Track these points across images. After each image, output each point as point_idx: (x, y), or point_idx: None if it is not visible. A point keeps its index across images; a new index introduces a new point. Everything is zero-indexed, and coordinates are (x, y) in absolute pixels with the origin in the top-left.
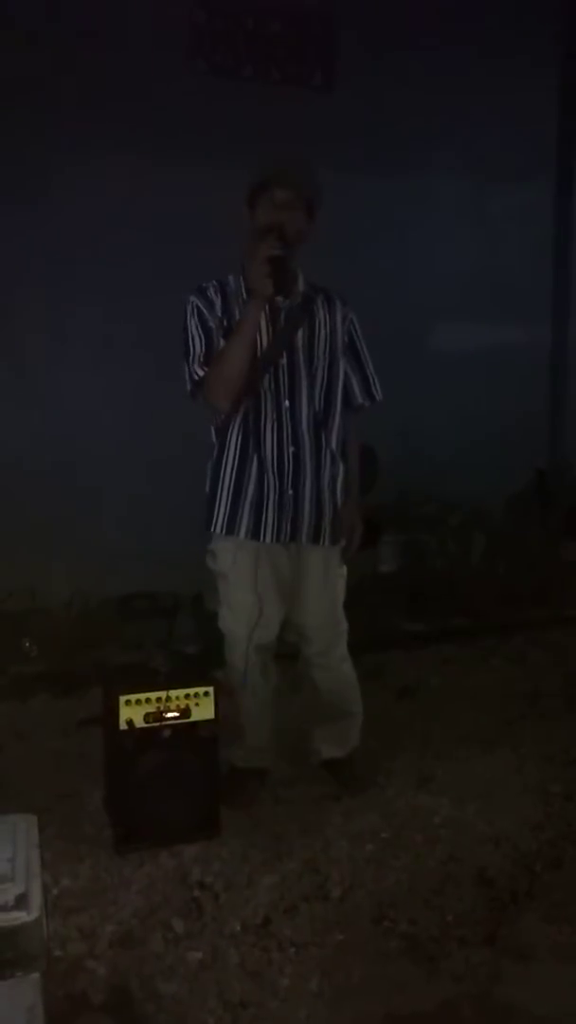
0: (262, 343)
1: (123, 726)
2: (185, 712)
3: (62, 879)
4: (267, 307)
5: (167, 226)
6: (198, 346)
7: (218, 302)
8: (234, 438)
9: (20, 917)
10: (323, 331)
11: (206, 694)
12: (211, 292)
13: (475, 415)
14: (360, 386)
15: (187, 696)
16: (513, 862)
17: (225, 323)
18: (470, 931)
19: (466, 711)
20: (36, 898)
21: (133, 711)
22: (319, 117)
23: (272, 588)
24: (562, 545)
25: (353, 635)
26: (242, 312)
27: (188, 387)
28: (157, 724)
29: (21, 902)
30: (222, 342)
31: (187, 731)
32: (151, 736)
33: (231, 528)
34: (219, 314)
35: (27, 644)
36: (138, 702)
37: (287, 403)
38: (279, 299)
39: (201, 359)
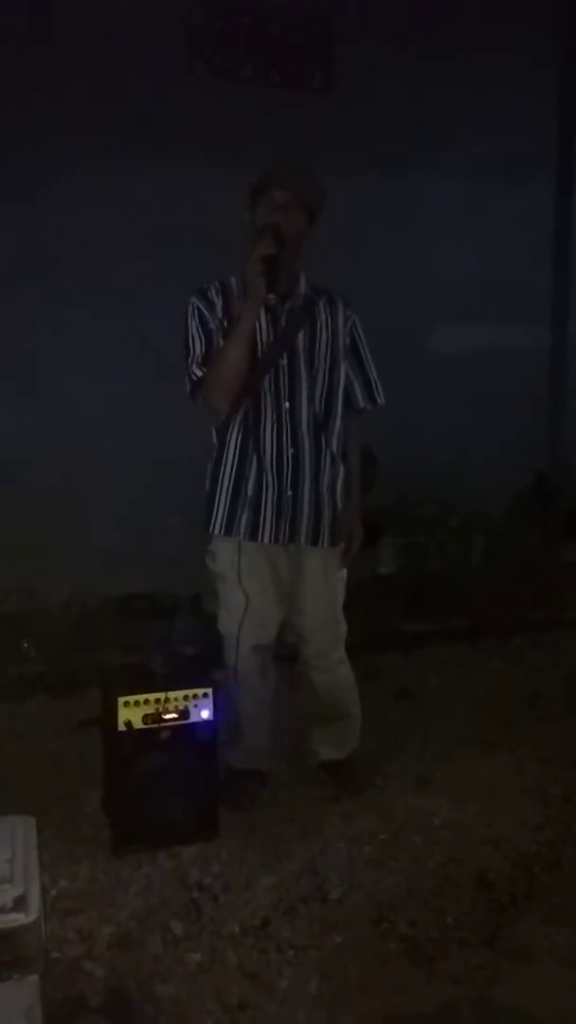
0: (263, 344)
1: (121, 727)
2: (184, 713)
3: (60, 881)
4: (269, 308)
5: (167, 226)
6: (198, 347)
7: (219, 303)
8: (234, 439)
9: (18, 919)
10: (324, 333)
11: (205, 695)
12: (212, 293)
13: (474, 416)
14: (362, 389)
15: (186, 697)
16: (512, 864)
17: (225, 324)
18: (469, 933)
19: (465, 713)
20: (34, 900)
21: (132, 712)
22: (318, 118)
23: (271, 589)
24: (562, 547)
25: (352, 636)
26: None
27: (187, 388)
28: (156, 725)
29: (19, 904)
30: (222, 343)
31: (186, 732)
32: (150, 737)
33: (229, 529)
34: (220, 315)
35: (25, 645)
36: (136, 703)
37: (287, 404)
38: (272, 297)
39: (200, 359)
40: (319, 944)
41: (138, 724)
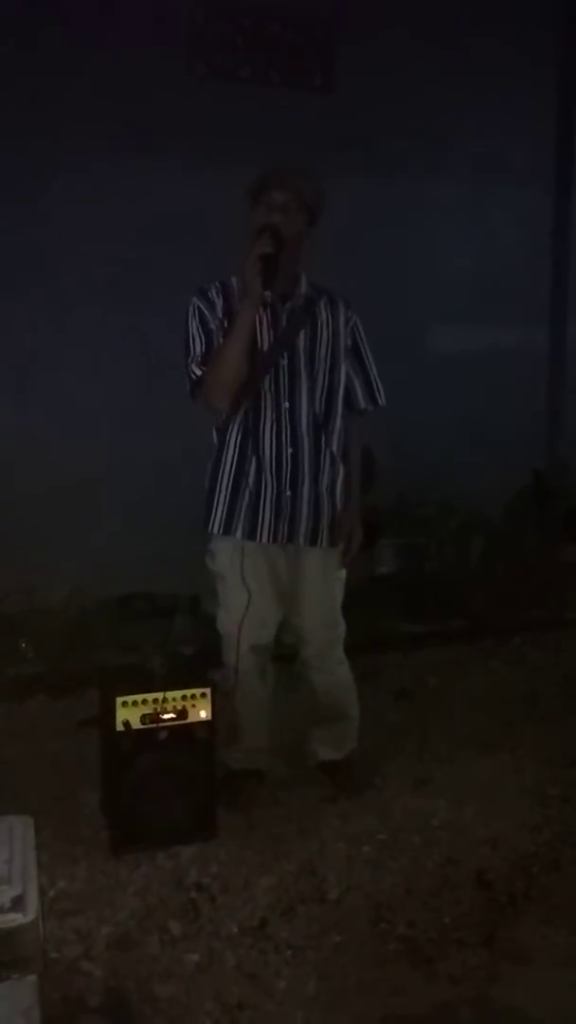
0: (263, 344)
1: (120, 727)
2: (182, 714)
3: (59, 881)
4: (269, 308)
5: (167, 227)
6: (198, 346)
7: (219, 303)
8: (234, 438)
9: (16, 919)
10: (325, 333)
11: (203, 695)
12: (212, 293)
13: (473, 417)
14: (363, 390)
15: (184, 697)
16: (511, 864)
17: (226, 324)
18: (468, 933)
19: (464, 713)
20: (33, 900)
21: (130, 712)
22: (318, 119)
23: (270, 589)
24: (560, 547)
25: (351, 637)
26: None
27: (188, 387)
28: (154, 726)
29: (18, 904)
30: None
31: (184, 733)
32: (148, 738)
33: (228, 528)
34: (220, 315)
35: (24, 645)
36: (135, 703)
37: (287, 404)
38: (268, 294)
39: (200, 359)
40: (317, 944)
41: (136, 724)
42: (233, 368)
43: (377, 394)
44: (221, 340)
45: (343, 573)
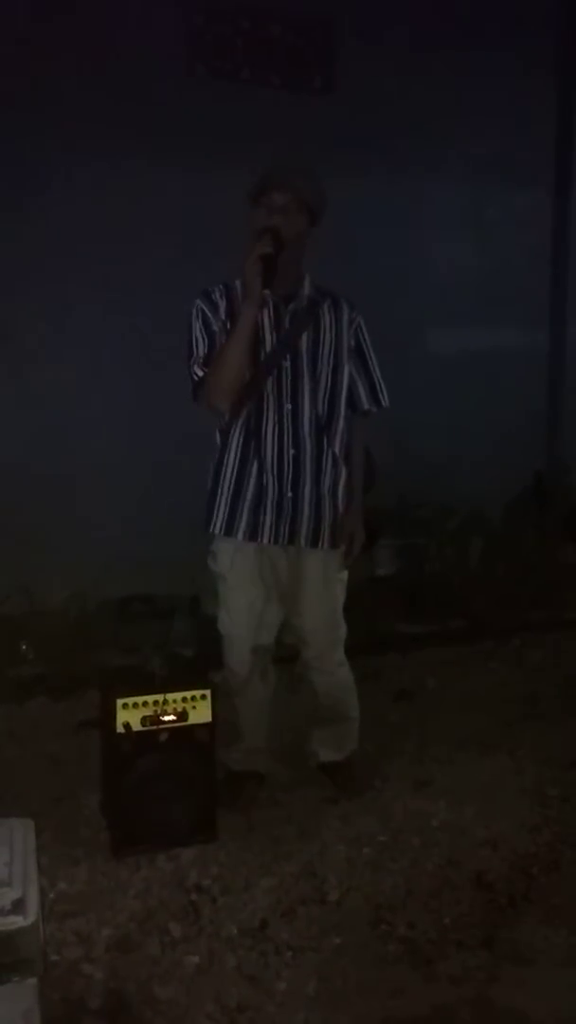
0: (266, 346)
1: (120, 729)
2: (182, 715)
3: (59, 883)
4: (272, 310)
5: (167, 227)
6: (200, 348)
7: (223, 305)
8: (236, 439)
9: (17, 921)
10: (328, 335)
11: (203, 697)
12: (216, 295)
13: (473, 418)
14: (366, 391)
15: (184, 699)
16: (511, 865)
17: (228, 326)
18: (468, 934)
19: (464, 714)
20: (33, 902)
21: (130, 714)
22: (318, 120)
23: (271, 590)
24: (560, 548)
25: (351, 638)
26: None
27: (190, 388)
28: (154, 727)
29: (18, 906)
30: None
31: (184, 734)
32: (148, 739)
33: (230, 529)
34: (223, 317)
35: (24, 646)
36: (135, 705)
37: (289, 406)
38: (268, 293)
39: (202, 360)
40: (317, 946)
41: (136, 726)
42: (235, 369)
43: (380, 395)
44: (224, 341)
45: (344, 575)
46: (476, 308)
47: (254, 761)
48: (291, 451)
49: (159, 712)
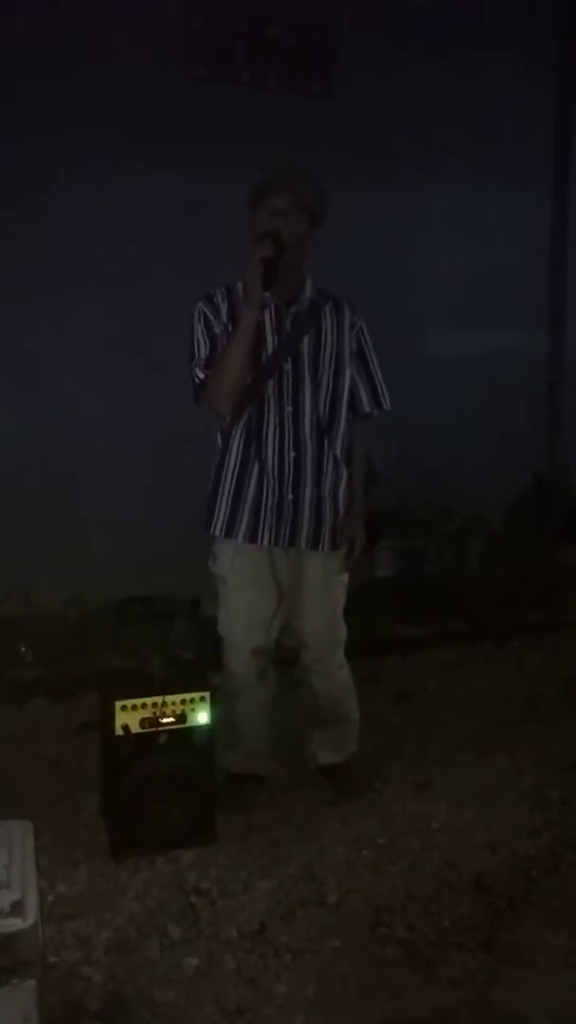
0: (267, 348)
1: (119, 731)
2: (181, 717)
3: (58, 885)
4: (274, 312)
5: (167, 229)
6: (202, 350)
7: (224, 307)
8: (237, 441)
9: (16, 924)
10: (330, 338)
11: (202, 699)
12: (218, 298)
13: (472, 419)
14: (368, 394)
15: (183, 701)
16: (510, 868)
17: (230, 328)
18: (467, 937)
19: (463, 716)
20: (32, 905)
21: (129, 716)
22: (318, 123)
23: (271, 592)
24: (560, 549)
25: (350, 640)
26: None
27: (192, 391)
28: (153, 729)
29: (17, 909)
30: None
31: (183, 736)
32: (147, 741)
33: (230, 531)
34: (225, 320)
35: (23, 649)
36: (134, 707)
37: (290, 408)
38: (268, 296)
39: (204, 363)
40: (317, 948)
41: (136, 728)
42: (236, 372)
43: (382, 398)
44: (225, 344)
45: (345, 577)
46: (476, 308)
47: (254, 763)
48: (292, 453)
49: (158, 714)
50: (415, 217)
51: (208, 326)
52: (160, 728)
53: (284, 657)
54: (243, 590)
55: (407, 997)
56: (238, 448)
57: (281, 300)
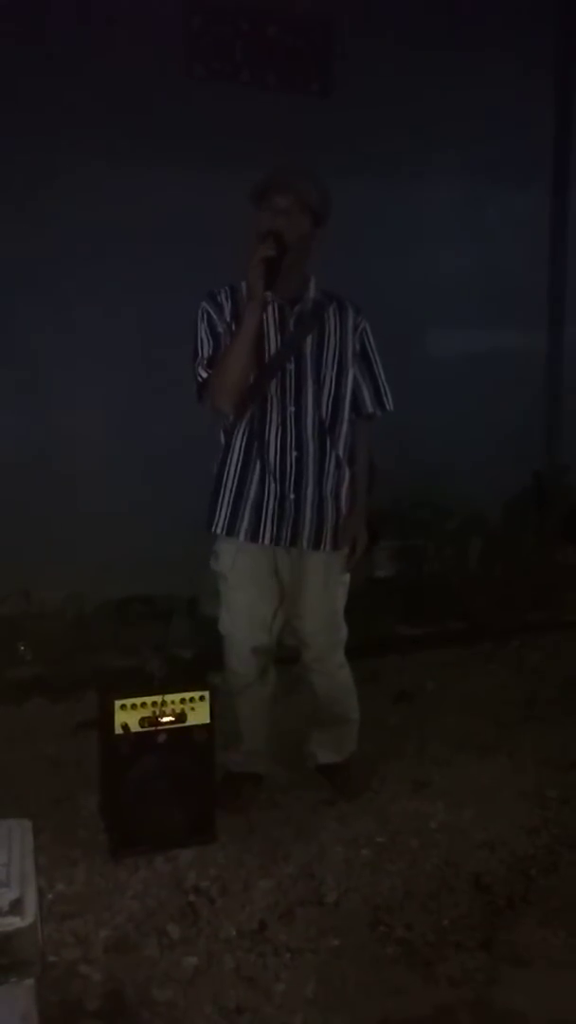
0: (270, 348)
1: (118, 731)
2: (181, 717)
3: (57, 884)
4: (277, 312)
5: (167, 229)
6: (205, 349)
7: (228, 307)
8: (239, 440)
9: (15, 923)
10: (333, 338)
11: (202, 698)
12: (221, 297)
13: (472, 419)
14: (371, 395)
15: (183, 700)
16: (509, 867)
17: (233, 327)
18: (466, 936)
19: (463, 715)
20: (31, 903)
21: (128, 716)
22: (317, 122)
23: (272, 592)
24: (559, 548)
25: (350, 639)
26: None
27: (195, 390)
28: (152, 729)
29: (16, 907)
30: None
31: (183, 736)
32: (146, 741)
33: (231, 529)
34: (228, 319)
35: (22, 648)
36: (133, 707)
37: (292, 408)
38: (269, 295)
39: (207, 362)
40: (316, 947)
41: (135, 727)
42: (238, 371)
43: (385, 399)
44: (229, 343)
45: (346, 577)
46: (475, 309)
47: (254, 763)
48: (294, 453)
49: (157, 713)
50: (414, 217)
51: (211, 325)
52: (159, 727)
53: (284, 656)
54: (244, 589)
55: (406, 996)
56: (240, 447)
57: (284, 300)
